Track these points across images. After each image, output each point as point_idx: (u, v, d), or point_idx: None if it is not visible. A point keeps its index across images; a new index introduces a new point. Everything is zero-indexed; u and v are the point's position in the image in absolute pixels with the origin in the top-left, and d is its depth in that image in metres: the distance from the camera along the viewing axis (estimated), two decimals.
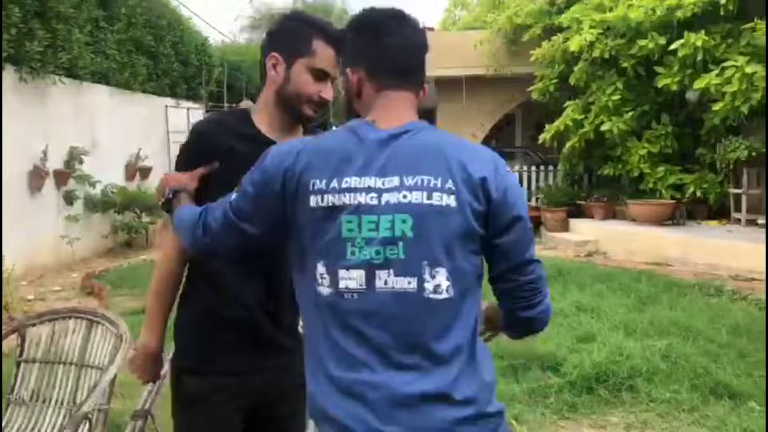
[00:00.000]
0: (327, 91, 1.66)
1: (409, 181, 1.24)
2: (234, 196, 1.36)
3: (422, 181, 1.23)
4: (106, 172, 9.64)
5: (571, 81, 10.00)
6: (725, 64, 8.09)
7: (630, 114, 9.42)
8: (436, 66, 12.55)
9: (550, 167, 12.40)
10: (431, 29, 15.28)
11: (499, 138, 17.46)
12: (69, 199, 8.77)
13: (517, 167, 12.94)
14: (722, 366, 3.97)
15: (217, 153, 1.65)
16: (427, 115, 1.57)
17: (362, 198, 1.23)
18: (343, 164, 1.25)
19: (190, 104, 12.78)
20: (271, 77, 1.68)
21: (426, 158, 1.26)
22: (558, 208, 10.33)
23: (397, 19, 1.38)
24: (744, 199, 8.52)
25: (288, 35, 1.66)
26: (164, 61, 11.63)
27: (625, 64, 9.34)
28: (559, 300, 5.67)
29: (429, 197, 1.22)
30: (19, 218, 7.76)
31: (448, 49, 12.36)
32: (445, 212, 1.23)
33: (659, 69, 9.02)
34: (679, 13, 8.58)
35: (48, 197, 8.41)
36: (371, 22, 1.38)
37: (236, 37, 26.94)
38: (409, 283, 1.22)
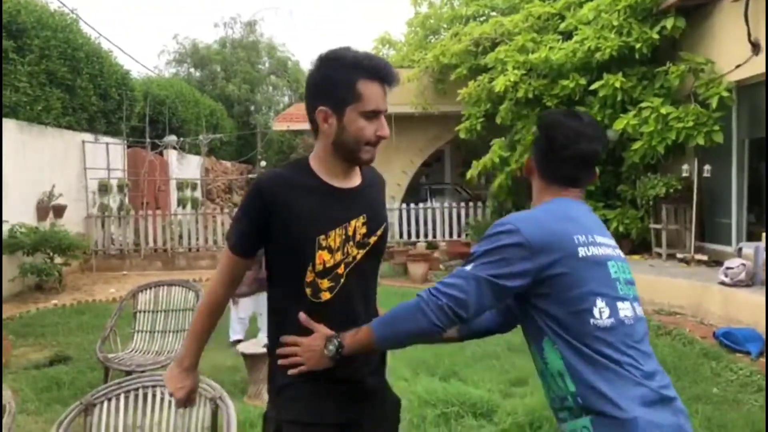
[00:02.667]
0: (383, 129, 1.66)
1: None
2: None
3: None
4: (15, 212, 9.01)
5: (497, 120, 10.19)
6: (642, 105, 8.43)
7: None
8: None
9: (479, 203, 12.54)
10: None
11: (428, 174, 17.65)
12: None
13: (446, 203, 13.03)
14: None
15: (277, 207, 1.62)
16: None
17: (608, 250, 1.64)
18: (580, 223, 1.64)
19: (109, 139, 12.26)
20: (324, 131, 1.65)
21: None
22: None
23: (576, 138, 1.68)
24: (664, 234, 8.80)
25: (331, 85, 1.61)
26: (81, 94, 11.13)
27: (548, 104, 9.59)
28: (489, 340, 5.57)
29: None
30: None
31: None
32: None
33: (580, 108, 9.29)
34: (598, 56, 8.91)
35: None
36: (550, 131, 1.72)
37: (162, 71, 26.39)
38: None
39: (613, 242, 1.67)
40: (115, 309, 4.88)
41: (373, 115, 1.62)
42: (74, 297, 9.02)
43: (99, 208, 12.11)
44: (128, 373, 4.22)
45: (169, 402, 2.37)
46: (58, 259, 9.51)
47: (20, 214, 9.27)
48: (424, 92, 11.96)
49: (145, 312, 4.82)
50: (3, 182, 8.92)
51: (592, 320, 1.52)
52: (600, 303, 1.53)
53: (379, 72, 1.60)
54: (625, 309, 1.56)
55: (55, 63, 10.14)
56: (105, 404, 2.33)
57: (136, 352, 4.61)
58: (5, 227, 8.72)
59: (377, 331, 1.56)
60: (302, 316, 1.64)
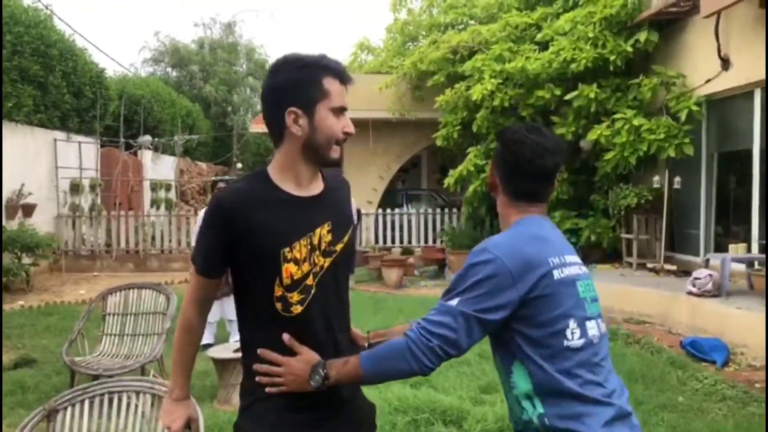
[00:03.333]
0: (349, 126, 1.66)
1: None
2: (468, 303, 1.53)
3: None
4: None
5: (474, 128, 10.26)
6: (615, 116, 8.56)
7: None
8: None
9: (454, 210, 12.60)
10: None
11: (405, 180, 17.70)
12: None
13: (422, 209, 13.07)
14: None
15: (238, 223, 1.59)
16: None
17: (577, 269, 1.65)
18: (551, 244, 1.65)
19: (82, 138, 12.08)
20: (293, 133, 1.62)
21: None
22: (462, 250, 10.45)
23: (541, 153, 1.67)
24: (635, 243, 8.94)
25: (298, 85, 1.61)
26: (54, 92, 10.96)
27: (524, 113, 9.69)
28: None
29: None
30: None
31: (355, 92, 12.38)
32: None
33: (555, 119, 9.42)
34: (573, 67, 9.02)
35: None
36: (517, 146, 1.68)
37: (138, 70, 26.10)
38: None
39: (578, 259, 1.68)
40: (83, 311, 4.80)
41: (340, 111, 1.63)
42: (42, 298, 8.87)
43: (70, 208, 11.93)
44: (95, 377, 4.16)
45: (135, 408, 2.34)
46: (26, 259, 9.33)
47: None
48: (401, 98, 12.00)
49: (114, 315, 4.76)
50: None
51: (565, 341, 1.54)
52: (572, 324, 1.55)
53: (340, 70, 1.64)
54: (592, 328, 1.59)
55: (27, 59, 9.98)
56: (69, 410, 2.29)
57: (104, 355, 4.55)
58: None
59: (366, 367, 1.56)
60: (286, 337, 1.62)
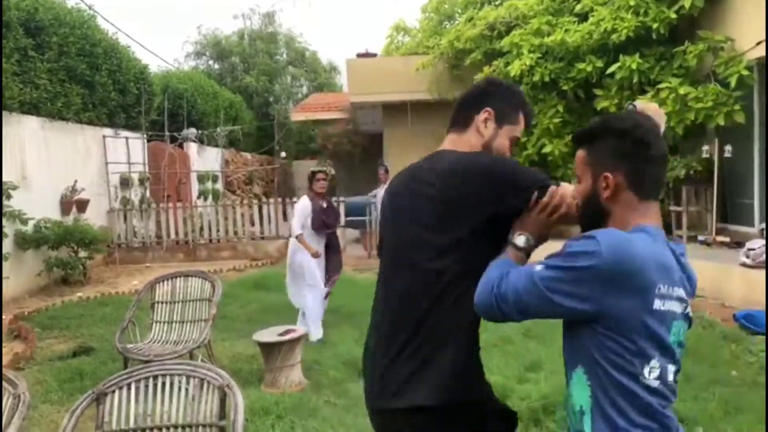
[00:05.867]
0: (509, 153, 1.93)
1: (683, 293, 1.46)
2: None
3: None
4: (39, 207, 9.19)
5: None
6: (660, 86, 8.29)
7: (571, 136, 9.53)
8: (381, 91, 12.56)
9: None
10: (374, 55, 15.33)
11: None
12: None
13: None
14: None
15: None
16: None
17: (678, 308, 1.45)
18: (670, 273, 1.45)
19: (129, 133, 12.40)
20: (480, 129, 1.84)
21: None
22: None
23: (658, 135, 1.53)
24: (684, 216, 8.68)
25: (503, 100, 1.86)
26: (101, 90, 11.26)
27: (564, 87, 9.49)
28: (504, 326, 5.58)
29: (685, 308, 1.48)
30: None
31: (393, 75, 12.39)
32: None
33: (598, 91, 9.19)
34: (614, 37, 8.77)
35: None
36: (637, 131, 1.49)
37: (181, 64, 26.59)
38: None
39: (684, 292, 1.48)
40: (143, 298, 4.96)
41: (515, 141, 1.88)
42: (98, 289, 9.19)
43: (121, 202, 12.28)
44: (147, 362, 4.31)
45: (179, 390, 2.42)
46: (82, 253, 9.67)
47: (45, 209, 9.44)
48: (439, 79, 11.89)
49: (162, 303, 4.90)
50: (28, 178, 9.11)
51: (640, 376, 1.41)
52: (654, 362, 1.41)
53: (530, 114, 1.93)
54: (672, 372, 1.45)
55: (73, 59, 10.27)
56: (116, 393, 2.39)
57: (154, 342, 4.70)
58: (30, 223, 8.90)
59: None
60: None
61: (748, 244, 6.68)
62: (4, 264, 8.30)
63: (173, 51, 65.31)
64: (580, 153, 1.57)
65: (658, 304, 1.39)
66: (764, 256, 6.42)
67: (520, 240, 1.64)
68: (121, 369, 4.64)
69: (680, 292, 1.44)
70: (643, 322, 1.39)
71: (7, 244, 8.51)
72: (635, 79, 8.59)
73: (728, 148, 8.14)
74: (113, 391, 2.38)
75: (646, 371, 1.40)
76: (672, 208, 8.99)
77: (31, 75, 9.27)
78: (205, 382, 2.37)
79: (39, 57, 9.48)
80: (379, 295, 1.87)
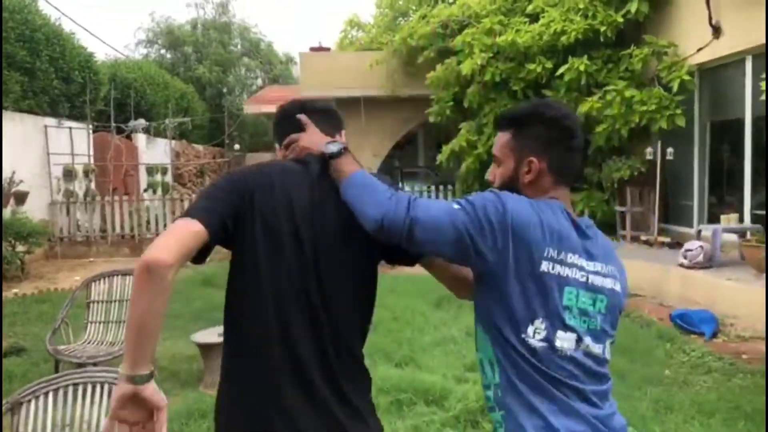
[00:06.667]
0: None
1: (605, 269, 1.50)
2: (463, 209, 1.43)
3: (612, 270, 1.52)
4: None
5: (465, 103, 10.17)
6: (607, 88, 8.47)
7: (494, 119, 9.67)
8: (334, 86, 12.49)
9: (449, 187, 12.56)
10: (327, 49, 15.23)
11: (401, 158, 17.62)
12: None
13: (417, 187, 13.03)
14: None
15: None
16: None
17: (574, 273, 1.45)
18: (564, 241, 1.45)
19: (73, 123, 12.00)
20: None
21: (611, 253, 1.56)
22: None
23: (580, 126, 1.58)
24: (628, 216, 8.90)
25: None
26: (42, 77, 10.86)
27: (515, 87, 9.60)
28: (451, 325, 5.62)
29: (614, 284, 1.51)
30: None
31: (346, 70, 12.32)
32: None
33: (547, 92, 9.33)
34: (563, 39, 8.92)
35: None
36: (566, 121, 1.53)
37: (132, 52, 25.91)
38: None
39: (587, 262, 1.47)
40: (78, 297, 4.80)
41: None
42: (37, 285, 8.87)
43: (64, 194, 11.90)
44: (79, 365, 4.17)
45: (101, 398, 2.34)
46: (19, 247, 9.32)
47: None
48: (393, 75, 11.90)
49: (98, 302, 4.75)
50: None
51: (523, 335, 1.41)
52: (538, 323, 1.41)
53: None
54: (570, 341, 1.43)
55: (12, 45, 9.88)
56: (33, 402, 2.29)
57: (89, 343, 4.55)
58: None
59: (354, 177, 1.50)
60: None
61: (686, 245, 6.88)
62: None
63: (125, 38, 63.52)
64: (505, 136, 1.57)
65: (545, 267, 1.40)
66: (701, 257, 6.63)
67: (333, 147, 1.56)
68: (53, 371, 4.49)
69: (579, 261, 1.45)
70: (530, 280, 1.40)
71: None
72: (583, 81, 8.75)
73: (670, 150, 8.37)
74: (29, 401, 2.28)
75: (530, 330, 1.41)
76: (617, 208, 9.20)
77: None
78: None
79: None
80: None
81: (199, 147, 21.48)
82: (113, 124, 13.16)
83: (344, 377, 1.52)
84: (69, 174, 12.01)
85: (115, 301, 4.78)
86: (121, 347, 4.43)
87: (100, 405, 2.32)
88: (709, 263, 6.62)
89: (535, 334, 1.40)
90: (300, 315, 1.48)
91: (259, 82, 28.25)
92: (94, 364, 4.19)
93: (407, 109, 12.76)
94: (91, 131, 12.70)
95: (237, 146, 24.87)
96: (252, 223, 1.48)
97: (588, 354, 1.45)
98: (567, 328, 1.42)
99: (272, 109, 12.83)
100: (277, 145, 1.75)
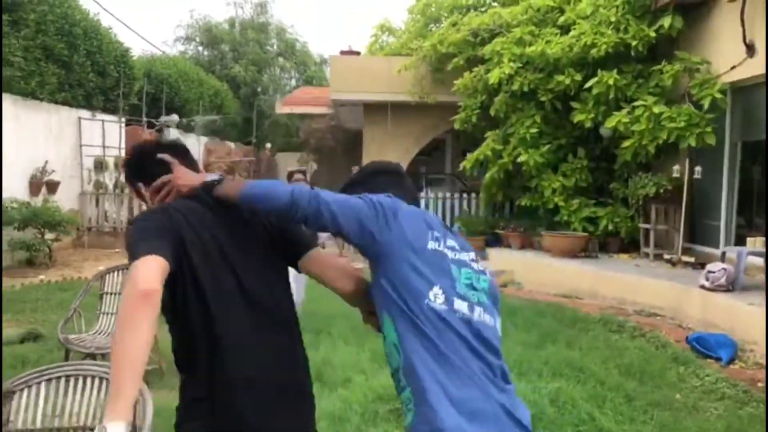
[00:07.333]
0: None
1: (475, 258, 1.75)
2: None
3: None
4: (7, 186, 9.05)
5: (492, 112, 10.11)
6: (635, 103, 8.33)
7: (547, 147, 9.58)
8: (362, 90, 12.52)
9: (473, 195, 12.49)
10: (357, 53, 15.28)
11: (427, 164, 17.56)
12: None
13: (440, 194, 12.99)
14: (605, 412, 3.92)
15: None
16: None
17: (454, 255, 1.68)
18: (442, 230, 1.72)
19: (106, 116, 12.27)
20: None
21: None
22: (475, 237, 10.37)
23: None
24: (652, 234, 8.74)
25: None
26: (78, 70, 11.13)
27: (543, 98, 9.51)
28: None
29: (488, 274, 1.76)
30: None
31: (374, 74, 12.35)
32: None
33: (575, 104, 9.22)
34: (594, 52, 8.80)
35: None
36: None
37: (171, 48, 26.36)
38: None
39: (456, 244, 1.71)
40: (93, 288, 4.89)
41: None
42: (62, 273, 9.08)
43: (94, 185, 12.16)
44: (88, 355, 4.25)
45: (91, 390, 2.38)
46: (48, 235, 9.56)
47: (13, 188, 9.32)
48: (421, 81, 11.88)
49: (111, 294, 4.84)
50: None
51: (426, 299, 1.57)
52: (436, 289, 1.59)
53: None
54: (462, 305, 1.60)
55: (51, 38, 10.14)
56: (25, 392, 2.34)
57: (99, 333, 4.64)
58: None
59: (246, 188, 1.70)
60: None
61: (709, 267, 6.72)
62: None
63: (163, 34, 64.63)
64: None
65: (432, 245, 1.64)
66: (723, 279, 6.47)
67: (212, 176, 1.78)
68: (64, 359, 4.59)
69: (453, 244, 1.69)
70: (422, 256, 1.61)
71: None
72: (611, 95, 8.61)
73: (698, 168, 8.19)
74: (22, 390, 2.33)
75: (431, 296, 1.58)
76: (641, 225, 9.04)
77: (6, 52, 9.13)
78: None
79: (15, 34, 9.34)
80: None
81: (231, 144, 21.74)
82: (145, 119, 13.41)
83: None
84: (100, 166, 12.29)
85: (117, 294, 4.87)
86: None
87: (90, 397, 2.36)
88: (731, 286, 6.45)
89: (436, 299, 1.58)
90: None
91: (293, 83, 28.51)
92: (102, 356, 4.28)
93: (434, 116, 12.72)
94: (123, 124, 12.97)
95: (269, 145, 25.12)
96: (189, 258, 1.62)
97: (482, 323, 1.62)
98: (459, 296, 1.61)
99: (304, 110, 12.96)
100: (138, 186, 1.84)
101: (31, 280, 8.54)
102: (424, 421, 1.51)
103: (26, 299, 7.30)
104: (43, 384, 2.36)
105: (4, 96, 9.24)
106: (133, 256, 1.47)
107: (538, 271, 8.89)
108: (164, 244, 1.54)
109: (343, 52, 14.64)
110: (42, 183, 10.26)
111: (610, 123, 8.44)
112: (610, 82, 8.52)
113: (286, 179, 6.22)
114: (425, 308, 1.56)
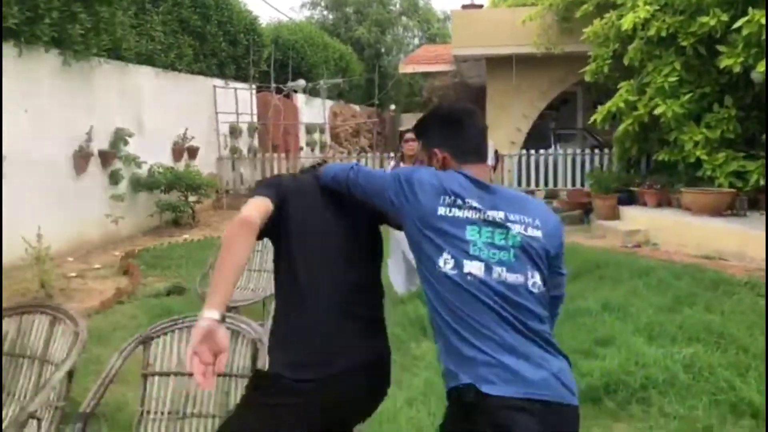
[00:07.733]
0: None
1: (514, 216, 1.76)
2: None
3: (524, 218, 1.77)
4: (153, 153, 9.83)
5: (625, 61, 9.43)
6: None
7: (688, 96, 8.80)
8: (485, 44, 12.16)
9: (606, 150, 11.84)
10: (480, 6, 14.80)
11: (557, 119, 16.85)
12: (114, 179, 9.01)
13: (569, 150, 12.44)
14: (748, 381, 3.61)
15: None
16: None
17: (473, 215, 1.75)
18: (464, 192, 1.77)
19: (238, 84, 12.87)
20: None
21: (525, 206, 1.82)
22: (608, 194, 9.84)
23: (468, 115, 1.93)
24: None
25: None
26: (211, 41, 11.72)
27: (684, 43, 8.71)
28: (587, 297, 5.36)
29: (527, 229, 1.75)
30: (64, 197, 8.02)
31: (498, 27, 11.94)
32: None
33: (722, 48, 8.35)
34: None
35: (93, 177, 8.66)
36: (456, 115, 1.92)
37: (298, 14, 27.00)
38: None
39: (479, 204, 1.74)
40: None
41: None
42: (204, 233, 9.77)
43: (230, 150, 12.88)
44: None
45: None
46: (191, 197, 10.28)
47: (158, 155, 10.09)
48: (547, 31, 11.32)
49: None
50: (143, 126, 9.74)
51: (437, 266, 1.69)
52: (446, 255, 1.69)
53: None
54: (474, 267, 1.67)
55: (186, 11, 10.73)
56: (161, 338, 2.54)
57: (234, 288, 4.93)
58: (144, 167, 9.57)
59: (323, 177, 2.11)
60: None
61: None
62: (121, 205, 9.04)
63: (291, 1, 66.20)
64: (418, 143, 2.03)
65: (442, 211, 1.72)
66: None
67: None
68: None
69: (477, 204, 1.73)
70: (430, 223, 1.72)
71: (123, 186, 9.22)
72: (764, 36, 7.71)
73: None
74: (158, 336, 2.54)
75: (441, 262, 1.69)
76: None
77: (147, 27, 9.78)
78: (240, 335, 2.46)
79: (155, 10, 9.97)
80: None
81: (356, 107, 22.08)
82: (273, 85, 13.91)
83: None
84: (234, 131, 12.97)
85: (258, 251, 5.13)
86: (258, 294, 4.77)
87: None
88: None
89: (446, 264, 1.68)
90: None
91: (416, 41, 28.27)
92: (235, 308, 4.56)
93: (562, 68, 12.11)
94: (254, 91, 13.55)
95: (393, 106, 25.26)
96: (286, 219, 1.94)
97: (502, 282, 1.66)
98: (471, 257, 1.67)
99: (426, 68, 12.83)
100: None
101: (176, 239, 9.26)
102: (447, 377, 1.68)
103: (172, 256, 7.94)
104: (176, 331, 2.54)
105: (148, 69, 9.95)
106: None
107: (677, 230, 8.30)
108: (271, 192, 1.89)
109: (464, 6, 14.26)
110: (183, 149, 11.01)
111: (763, 66, 7.57)
112: (763, 21, 7.61)
113: (398, 140, 6.26)
114: (438, 274, 1.69)
